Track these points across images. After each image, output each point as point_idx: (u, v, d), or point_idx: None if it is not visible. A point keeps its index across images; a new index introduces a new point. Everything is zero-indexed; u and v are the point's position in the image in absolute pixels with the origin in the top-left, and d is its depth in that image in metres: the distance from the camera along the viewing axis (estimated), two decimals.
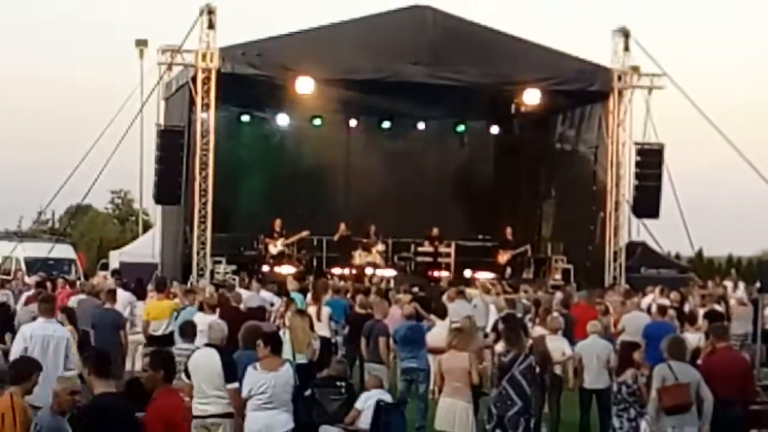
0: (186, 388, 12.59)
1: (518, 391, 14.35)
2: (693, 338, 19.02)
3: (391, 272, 33.16)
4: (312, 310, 21.36)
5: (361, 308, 21.50)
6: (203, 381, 12.38)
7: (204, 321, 16.43)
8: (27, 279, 30.09)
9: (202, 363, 12.45)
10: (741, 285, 31.21)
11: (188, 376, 12.61)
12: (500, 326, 17.06)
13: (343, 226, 34.06)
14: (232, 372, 12.34)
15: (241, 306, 21.22)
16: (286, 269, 31.60)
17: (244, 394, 12.24)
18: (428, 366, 18.25)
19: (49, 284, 27.02)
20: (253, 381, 12.26)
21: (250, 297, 23.28)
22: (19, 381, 10.47)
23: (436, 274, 33.45)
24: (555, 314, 19.62)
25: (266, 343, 12.56)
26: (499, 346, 16.16)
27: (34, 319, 14.54)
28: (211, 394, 12.34)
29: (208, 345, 12.86)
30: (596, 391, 17.34)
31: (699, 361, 14.38)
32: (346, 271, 32.84)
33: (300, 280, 28.23)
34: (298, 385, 12.59)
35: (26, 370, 10.66)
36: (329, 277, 31.30)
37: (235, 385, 12.27)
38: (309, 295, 23.74)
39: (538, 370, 15.21)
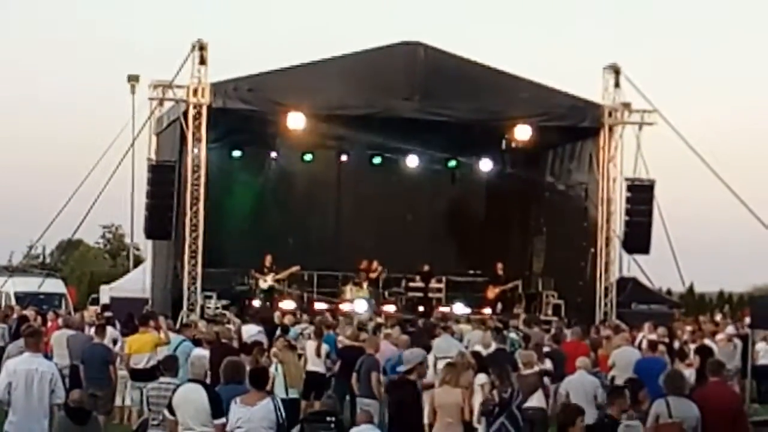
0: (170, 423, 12.52)
1: (516, 426, 14.40)
2: (684, 374, 19.01)
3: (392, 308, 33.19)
4: (312, 345, 21.42)
5: (350, 340, 21.55)
6: (189, 416, 12.30)
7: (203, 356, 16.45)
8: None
9: (189, 398, 12.38)
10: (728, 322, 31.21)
11: (171, 411, 12.51)
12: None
13: (375, 264, 33.99)
14: (219, 407, 12.29)
15: (234, 343, 21.20)
16: (287, 305, 31.68)
17: (228, 428, 12.22)
18: None
19: (39, 318, 27.02)
20: (232, 415, 12.27)
21: (252, 334, 23.22)
22: None
23: (426, 309, 33.48)
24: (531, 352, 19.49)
25: (249, 378, 12.64)
26: (479, 379, 16.21)
27: (21, 353, 14.49)
28: (197, 429, 12.27)
29: (191, 380, 12.79)
30: (585, 426, 17.25)
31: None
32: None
33: (292, 315, 28.30)
34: (283, 420, 12.48)
35: None
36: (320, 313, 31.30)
37: (222, 420, 12.21)
38: (298, 330, 23.79)
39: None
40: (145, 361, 19.87)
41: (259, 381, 12.68)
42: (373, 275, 33.87)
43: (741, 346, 25.94)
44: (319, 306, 32.71)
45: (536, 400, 17.45)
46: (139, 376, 19.46)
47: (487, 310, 33.60)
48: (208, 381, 13.20)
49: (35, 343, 14.12)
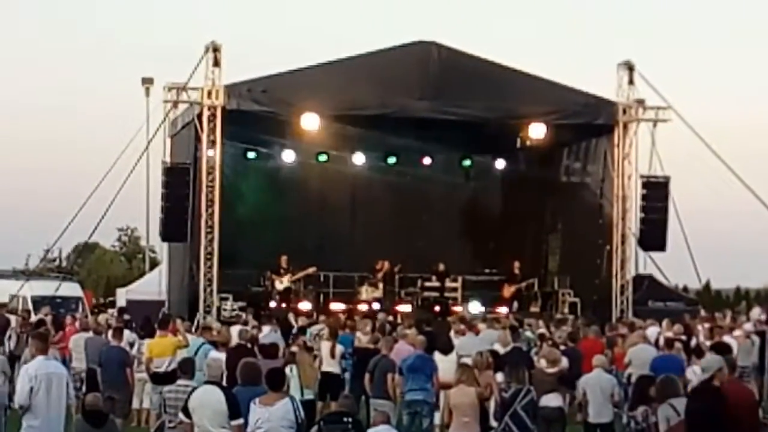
0: (186, 426, 12.54)
1: (521, 426, 14.37)
2: (700, 371, 18.96)
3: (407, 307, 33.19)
4: (327, 345, 21.45)
5: (371, 343, 21.60)
6: (207, 418, 12.34)
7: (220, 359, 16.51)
8: (32, 317, 30.04)
9: (207, 401, 12.42)
10: (749, 316, 31.05)
11: (186, 413, 12.53)
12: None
13: (387, 264, 34.00)
14: (236, 408, 12.33)
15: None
16: (303, 306, 31.76)
17: (248, 429, 12.29)
18: (433, 399, 18.24)
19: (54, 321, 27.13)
20: (252, 416, 12.39)
21: (265, 335, 23.26)
22: None
23: (442, 308, 33.49)
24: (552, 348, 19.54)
25: (265, 380, 12.70)
26: (499, 377, 16.23)
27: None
28: (215, 431, 12.30)
29: (208, 382, 12.82)
30: (601, 425, 17.28)
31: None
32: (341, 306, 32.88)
33: (307, 316, 28.36)
34: (302, 420, 12.54)
35: None
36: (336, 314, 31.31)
37: (240, 421, 12.27)
38: (314, 331, 23.82)
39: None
40: (166, 364, 19.87)
41: (274, 382, 12.75)
42: (381, 274, 33.85)
43: (759, 343, 25.87)
44: (336, 307, 32.70)
45: (555, 399, 17.47)
46: (160, 379, 19.47)
47: (504, 309, 33.51)
48: (224, 383, 13.24)
49: (46, 347, 14.13)
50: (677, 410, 12.79)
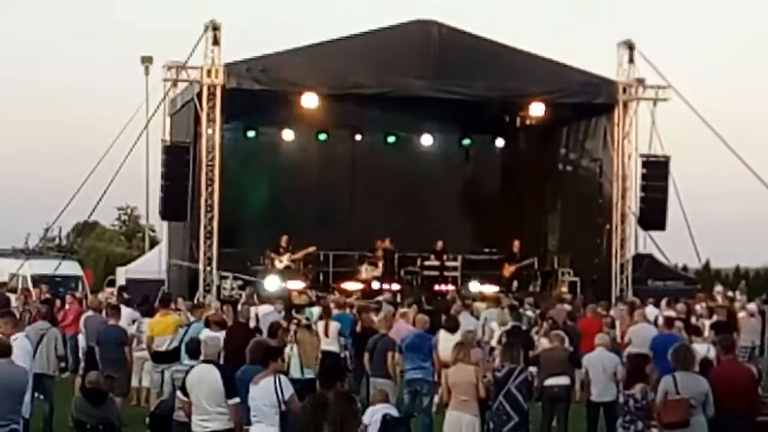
0: (185, 405, 12.56)
1: (514, 405, 14.37)
2: (701, 348, 19.00)
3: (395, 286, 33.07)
4: (320, 324, 21.45)
5: (365, 324, 21.57)
6: (204, 398, 12.34)
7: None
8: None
9: (203, 379, 12.43)
10: (741, 296, 31.12)
11: (184, 392, 12.54)
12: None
13: (388, 242, 33.98)
14: (233, 387, 12.34)
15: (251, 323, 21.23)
16: (299, 285, 31.72)
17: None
18: (433, 378, 18.26)
19: (58, 301, 27.17)
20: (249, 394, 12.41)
21: (266, 313, 23.21)
22: None
23: (442, 287, 33.46)
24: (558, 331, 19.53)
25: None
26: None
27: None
28: (212, 410, 12.31)
29: (205, 361, 12.81)
30: (603, 403, 17.29)
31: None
32: (355, 285, 32.80)
33: (305, 295, 28.38)
34: (285, 399, 12.39)
35: None
36: (337, 292, 31.29)
37: (236, 400, 12.27)
38: (315, 310, 23.82)
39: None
40: (167, 343, 19.85)
41: (264, 359, 12.70)
42: (381, 252, 33.82)
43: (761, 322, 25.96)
44: (347, 286, 32.60)
45: (562, 378, 17.50)
46: (162, 358, 19.46)
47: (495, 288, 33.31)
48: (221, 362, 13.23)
49: (16, 324, 13.90)
50: (678, 386, 12.82)
